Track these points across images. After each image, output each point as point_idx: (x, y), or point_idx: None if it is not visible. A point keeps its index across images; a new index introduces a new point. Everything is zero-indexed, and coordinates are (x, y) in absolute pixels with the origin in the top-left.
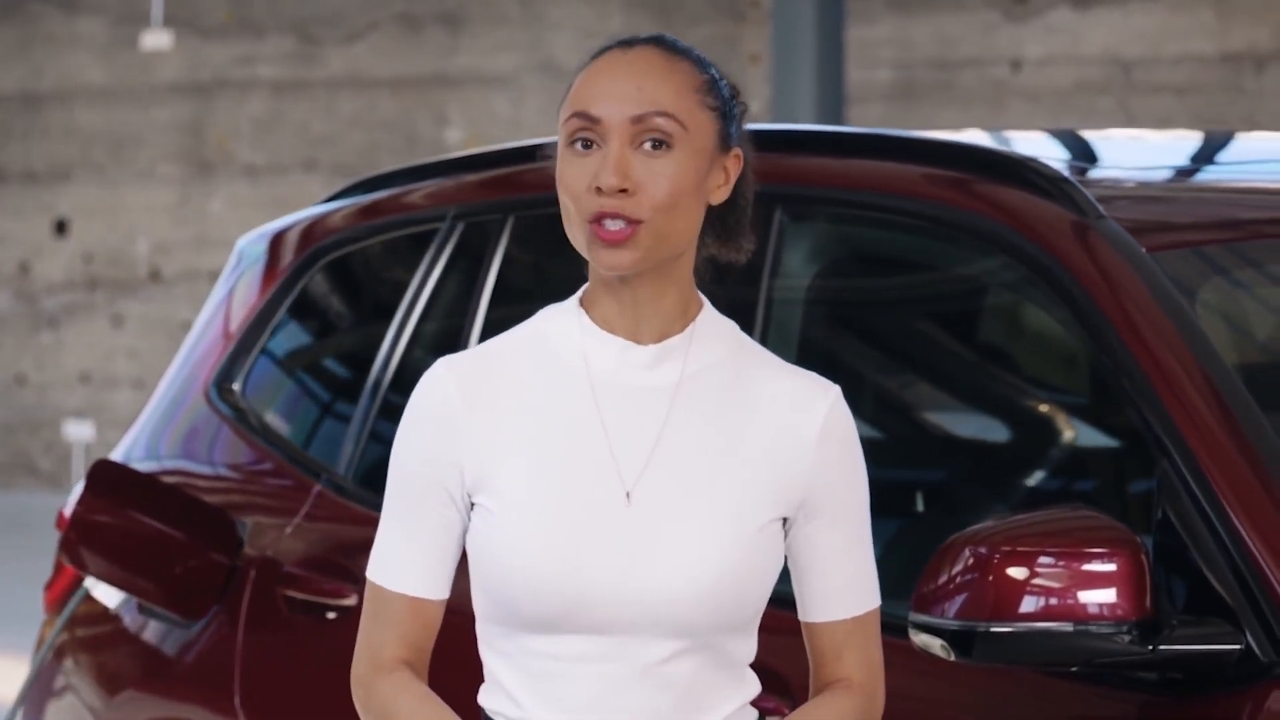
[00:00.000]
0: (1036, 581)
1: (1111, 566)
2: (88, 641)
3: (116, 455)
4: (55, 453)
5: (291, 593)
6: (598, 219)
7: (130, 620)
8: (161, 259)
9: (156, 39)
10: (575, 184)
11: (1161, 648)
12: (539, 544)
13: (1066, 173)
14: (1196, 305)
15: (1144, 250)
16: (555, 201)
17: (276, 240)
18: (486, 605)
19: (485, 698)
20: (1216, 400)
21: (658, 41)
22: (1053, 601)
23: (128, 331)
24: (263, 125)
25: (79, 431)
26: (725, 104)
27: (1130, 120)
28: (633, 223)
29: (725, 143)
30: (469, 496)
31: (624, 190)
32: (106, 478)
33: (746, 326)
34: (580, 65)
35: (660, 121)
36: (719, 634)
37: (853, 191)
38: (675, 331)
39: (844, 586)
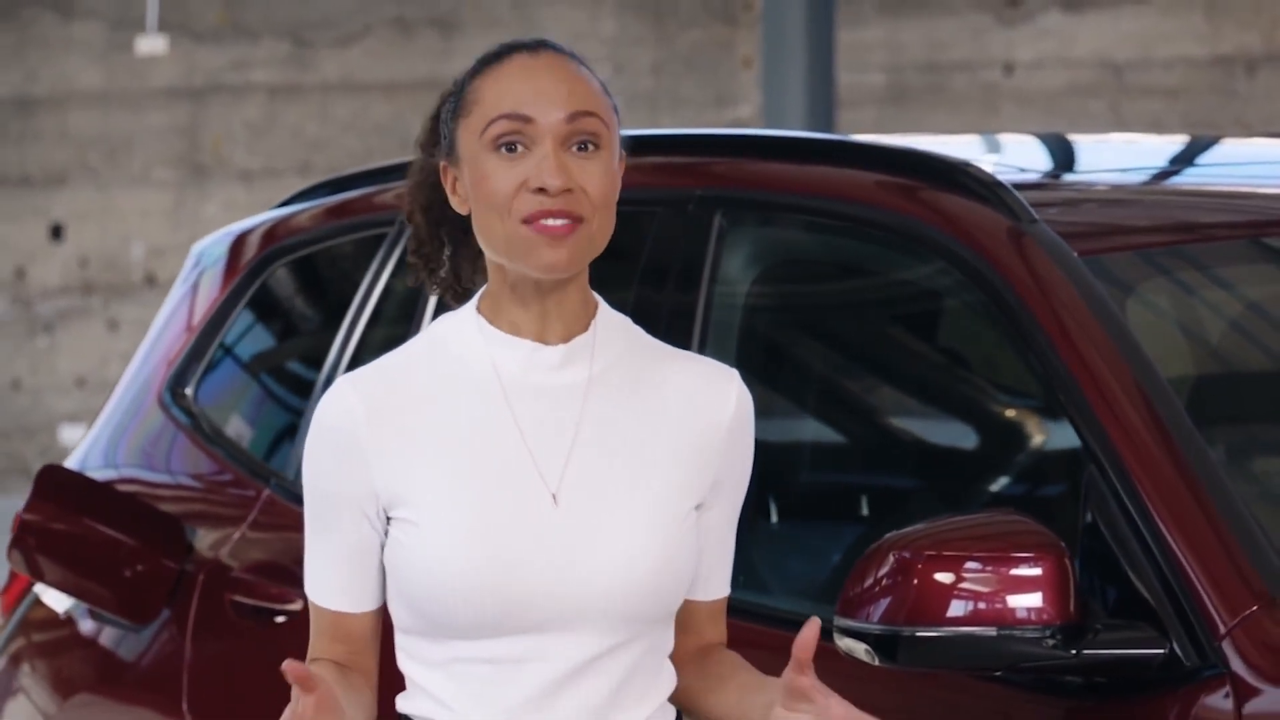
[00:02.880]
0: (960, 585)
1: (1035, 571)
2: (40, 645)
3: (72, 460)
4: (50, 457)
5: (239, 597)
6: (537, 217)
7: (81, 624)
8: (157, 263)
9: (151, 43)
10: (505, 186)
11: (1085, 652)
12: (472, 551)
13: (1000, 177)
14: (1128, 308)
15: (1075, 254)
16: None
17: (229, 244)
18: (411, 618)
19: (409, 704)
20: (1144, 403)
21: (553, 46)
22: (976, 606)
23: (123, 336)
24: (257, 129)
25: (74, 436)
26: (618, 110)
27: (1121, 123)
28: (575, 220)
29: (620, 145)
30: (385, 512)
31: (567, 190)
32: (54, 483)
33: (686, 330)
34: (472, 71)
35: (589, 122)
36: (650, 624)
37: (791, 195)
38: (580, 331)
39: (726, 563)
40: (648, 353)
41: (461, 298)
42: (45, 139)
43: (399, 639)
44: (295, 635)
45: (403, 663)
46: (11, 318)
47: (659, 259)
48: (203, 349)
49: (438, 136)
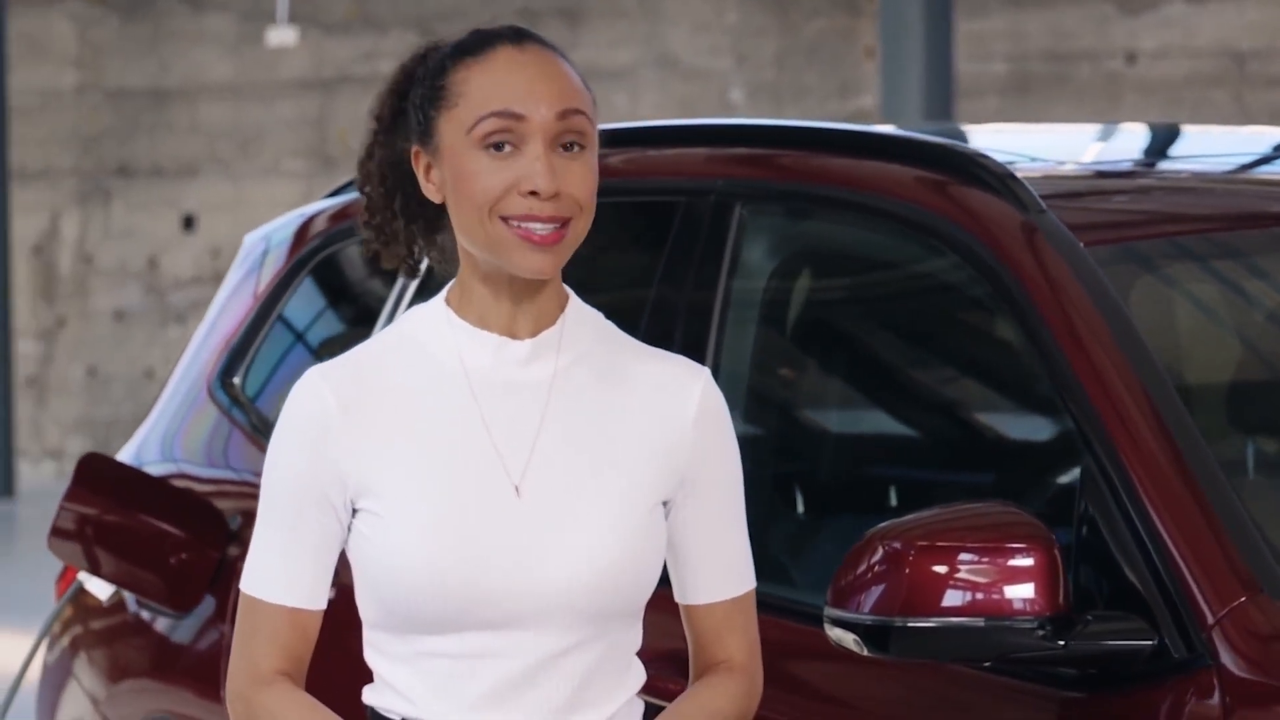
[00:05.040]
0: (950, 576)
1: (1025, 562)
2: (90, 631)
3: (128, 448)
4: None
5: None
6: (524, 220)
7: (128, 611)
8: None
9: (281, 35)
10: (493, 187)
11: (1074, 643)
12: (433, 542)
13: (1012, 168)
14: (1132, 298)
15: (1082, 245)
16: None
17: (296, 227)
18: (377, 611)
19: (374, 696)
20: (1142, 394)
21: (534, 37)
22: (966, 596)
23: None
24: None
25: None
26: (595, 102)
27: (1244, 113)
28: (563, 224)
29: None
30: (351, 503)
31: (557, 194)
32: (94, 471)
33: (705, 318)
34: (453, 59)
35: (578, 120)
36: (614, 621)
37: (808, 186)
38: (549, 324)
39: (723, 568)
40: (617, 348)
41: (411, 273)
42: (177, 131)
43: (366, 634)
44: (329, 621)
45: (369, 657)
46: (144, 308)
47: (682, 248)
48: (251, 338)
49: (399, 115)
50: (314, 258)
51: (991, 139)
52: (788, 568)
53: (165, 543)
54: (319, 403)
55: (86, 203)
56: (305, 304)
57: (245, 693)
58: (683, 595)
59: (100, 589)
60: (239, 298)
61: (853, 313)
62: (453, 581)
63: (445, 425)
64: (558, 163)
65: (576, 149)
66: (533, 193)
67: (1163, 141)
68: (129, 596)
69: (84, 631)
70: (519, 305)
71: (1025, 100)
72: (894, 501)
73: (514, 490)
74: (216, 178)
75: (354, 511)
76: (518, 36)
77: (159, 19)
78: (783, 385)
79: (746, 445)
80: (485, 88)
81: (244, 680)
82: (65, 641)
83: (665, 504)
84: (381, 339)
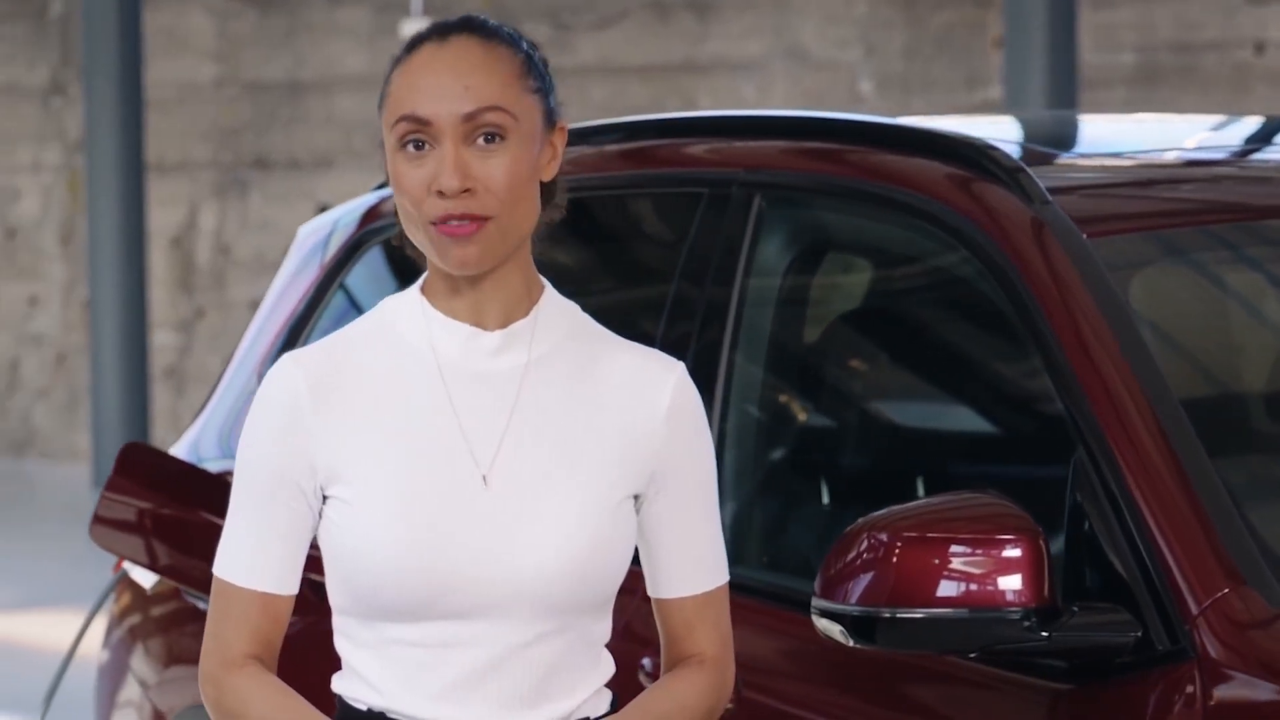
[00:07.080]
0: (936, 567)
1: (1011, 553)
2: (144, 618)
3: (186, 439)
4: None
5: (314, 576)
6: (442, 221)
7: (179, 599)
8: None
9: (415, 27)
10: (414, 188)
11: (1058, 635)
12: (400, 530)
13: (1021, 160)
14: (1131, 289)
15: (1085, 236)
16: (567, 189)
17: (328, 229)
18: (345, 598)
19: (342, 685)
20: (1136, 387)
21: (470, 28)
22: (952, 588)
23: None
24: None
25: None
26: (545, 81)
27: None
28: (479, 220)
29: (550, 120)
30: (321, 490)
31: (467, 190)
32: (135, 461)
33: (721, 310)
34: (395, 60)
35: (491, 116)
36: (580, 613)
37: (825, 177)
38: (520, 315)
39: (694, 562)
40: (591, 341)
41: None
42: (312, 123)
43: (335, 620)
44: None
45: (338, 643)
46: None
47: (703, 240)
48: (301, 328)
49: None
50: (378, 236)
51: (1010, 129)
52: (809, 559)
53: (206, 531)
54: (291, 388)
55: (224, 194)
56: (367, 282)
57: (216, 675)
58: (654, 589)
59: (144, 576)
60: (294, 287)
61: (867, 303)
62: (419, 569)
63: (416, 412)
64: (473, 157)
65: (497, 140)
66: (441, 192)
67: (1187, 132)
68: (168, 584)
69: (140, 619)
70: (482, 298)
71: (1153, 91)
72: (918, 491)
73: (482, 480)
74: (352, 169)
75: (324, 498)
76: (449, 31)
77: (295, 12)
78: (799, 374)
79: (756, 433)
80: (400, 91)
81: (215, 663)
82: (124, 628)
83: (637, 498)
84: (358, 325)
